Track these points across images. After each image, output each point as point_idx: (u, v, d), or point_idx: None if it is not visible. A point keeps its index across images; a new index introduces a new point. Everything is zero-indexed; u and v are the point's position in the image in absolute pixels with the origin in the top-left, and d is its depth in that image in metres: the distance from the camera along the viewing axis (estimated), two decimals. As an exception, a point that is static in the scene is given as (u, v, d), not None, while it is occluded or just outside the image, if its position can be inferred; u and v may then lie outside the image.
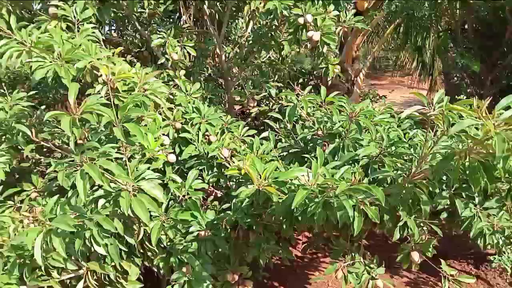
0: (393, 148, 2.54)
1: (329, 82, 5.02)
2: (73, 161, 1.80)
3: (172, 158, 2.87)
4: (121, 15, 3.94)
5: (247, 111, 4.53)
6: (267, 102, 4.64)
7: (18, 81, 4.56)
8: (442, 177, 2.38)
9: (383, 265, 2.84)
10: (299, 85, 4.84)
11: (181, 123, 3.37)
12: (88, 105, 1.70)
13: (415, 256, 2.67)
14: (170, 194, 2.91)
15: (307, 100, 2.38)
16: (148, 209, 1.96)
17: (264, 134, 2.86)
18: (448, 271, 2.63)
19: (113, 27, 4.62)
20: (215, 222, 2.84)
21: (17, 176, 3.63)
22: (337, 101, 2.52)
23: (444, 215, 2.69)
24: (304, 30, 3.24)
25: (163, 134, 3.00)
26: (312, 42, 3.19)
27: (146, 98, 2.50)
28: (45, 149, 3.90)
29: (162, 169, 2.91)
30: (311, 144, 2.78)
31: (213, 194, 3.51)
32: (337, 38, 3.22)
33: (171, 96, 3.89)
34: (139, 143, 2.09)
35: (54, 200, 2.06)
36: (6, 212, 2.99)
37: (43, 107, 3.38)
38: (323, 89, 2.65)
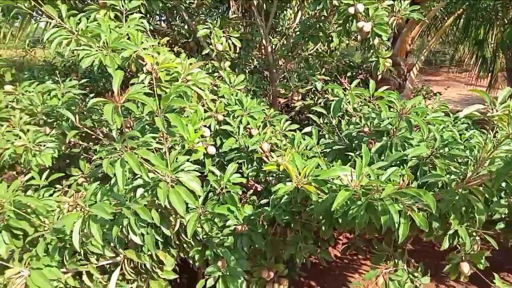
0: (447, 149, 2.34)
1: (379, 76, 4.79)
2: (115, 149, 1.81)
3: (211, 150, 2.84)
4: (169, 5, 3.96)
5: (292, 104, 4.42)
6: (312, 96, 4.50)
7: (73, 69, 4.75)
8: (501, 184, 2.16)
9: (429, 274, 2.66)
10: (347, 79, 4.68)
11: (223, 115, 3.34)
12: (131, 94, 1.70)
13: (465, 268, 2.47)
14: (209, 186, 2.90)
15: (354, 94, 2.24)
16: (185, 201, 1.94)
17: (307, 129, 2.75)
18: (502, 286, 2.40)
19: (162, 18, 4.68)
20: (252, 217, 2.79)
21: (67, 161, 3.79)
22: (386, 96, 2.35)
23: (501, 225, 2.46)
24: (354, 21, 3.07)
25: (205, 126, 2.98)
26: (362, 34, 3.02)
27: (189, 89, 2.48)
28: (93, 136, 4.05)
29: (202, 160, 2.90)
30: (356, 142, 2.64)
31: (253, 188, 3.46)
32: (389, 30, 3.02)
33: (214, 88, 3.88)
34: (180, 134, 2.07)
35: (95, 186, 2.10)
36: (54, 196, 3.14)
37: (92, 95, 3.48)
38: (372, 83, 2.49)
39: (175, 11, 4.08)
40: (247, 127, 3.38)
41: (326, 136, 2.75)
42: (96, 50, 2.17)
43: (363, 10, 2.98)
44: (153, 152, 1.82)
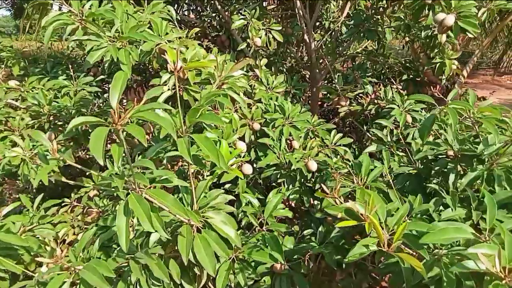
0: None
1: (424, 78, 4.13)
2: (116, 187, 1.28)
3: (247, 169, 2.30)
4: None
5: (337, 109, 3.82)
6: (360, 100, 3.88)
7: (94, 64, 4.30)
8: None
9: None
10: (402, 82, 4.03)
11: (260, 123, 2.79)
12: (139, 111, 1.10)
13: None
14: (241, 213, 2.35)
15: (453, 108, 1.59)
16: (214, 252, 1.39)
17: (370, 149, 2.15)
18: None
19: (191, 8, 4.15)
20: (294, 253, 2.23)
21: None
22: (496, 113, 1.70)
23: None
24: (430, 11, 2.44)
25: (239, 139, 2.43)
26: (441, 28, 2.39)
27: (225, 98, 1.93)
28: (109, 141, 3.57)
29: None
30: (436, 168, 2.02)
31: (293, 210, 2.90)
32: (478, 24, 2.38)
33: (249, 89, 3.33)
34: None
35: (91, 232, 1.58)
36: (61, 211, 2.67)
37: (106, 95, 2.98)
38: (471, 94, 1.86)
39: (205, 0, 3.55)
40: (288, 138, 2.81)
41: (395, 158, 2.13)
42: (108, 41, 1.64)
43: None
44: (169, 195, 1.25)
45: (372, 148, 2.15)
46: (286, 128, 2.69)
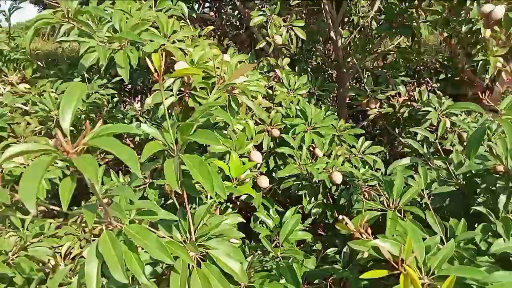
0: None
1: (464, 78, 3.75)
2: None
3: (264, 183, 2.07)
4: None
5: (367, 110, 3.52)
6: (392, 102, 3.56)
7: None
8: None
9: None
10: (439, 82, 3.68)
11: (280, 129, 2.55)
12: (93, 138, 0.79)
13: None
14: (258, 225, 2.12)
15: (509, 120, 1.28)
16: (217, 290, 1.17)
17: (404, 161, 1.87)
18: None
19: (212, 4, 3.95)
20: (315, 276, 1.98)
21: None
22: None
23: None
24: (475, 3, 2.13)
25: (255, 148, 2.20)
26: (487, 21, 2.08)
27: (234, 102, 1.71)
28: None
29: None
30: (483, 186, 1.72)
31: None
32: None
33: (269, 91, 3.09)
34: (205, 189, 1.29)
35: (66, 270, 1.39)
36: (70, 222, 2.53)
37: (116, 99, 2.82)
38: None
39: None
40: (311, 145, 2.56)
41: (433, 173, 1.84)
42: (101, 42, 1.45)
43: (490, -13, 2.04)
44: (153, 232, 1.03)
45: (406, 161, 1.86)
46: (308, 135, 2.44)
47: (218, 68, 1.81)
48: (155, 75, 0.94)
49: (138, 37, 1.44)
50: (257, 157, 2.04)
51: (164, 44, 1.74)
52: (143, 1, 1.95)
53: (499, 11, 1.96)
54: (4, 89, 2.69)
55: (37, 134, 2.49)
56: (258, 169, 2.19)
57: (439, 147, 1.93)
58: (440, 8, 2.99)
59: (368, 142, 2.56)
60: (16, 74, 3.23)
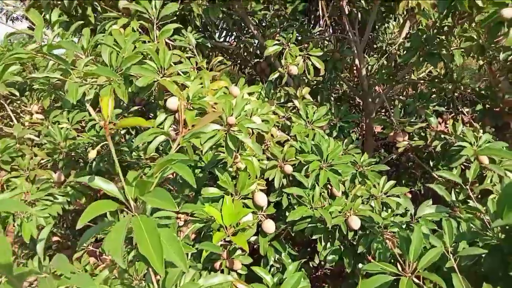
0: None
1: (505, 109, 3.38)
2: None
3: (269, 228, 1.87)
4: (235, 17, 3.14)
5: (394, 143, 3.26)
6: (423, 134, 3.27)
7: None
8: None
9: None
10: (476, 113, 3.36)
11: (293, 165, 2.35)
12: None
13: None
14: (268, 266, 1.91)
15: None
16: None
17: (428, 210, 1.61)
18: None
19: (230, 33, 3.87)
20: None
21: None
22: None
23: None
24: (510, 30, 1.88)
25: (261, 190, 2.01)
26: (527, 50, 1.82)
27: (231, 140, 1.55)
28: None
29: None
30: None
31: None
32: None
33: (288, 122, 2.92)
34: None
35: None
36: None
37: (123, 131, 2.74)
38: None
39: (242, 24, 3.25)
40: (328, 185, 2.34)
41: (463, 226, 1.57)
42: (77, 79, 1.35)
43: (529, 12, 1.79)
44: None
45: (430, 210, 1.61)
46: (323, 173, 2.22)
47: (215, 103, 1.67)
48: (101, 124, 0.80)
49: (113, 73, 1.32)
50: (261, 199, 1.85)
51: (156, 80, 1.62)
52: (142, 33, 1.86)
53: (541, 38, 1.70)
54: (18, 120, 2.68)
55: (43, 167, 2.43)
56: (265, 210, 1.99)
57: (470, 193, 1.66)
58: (474, 34, 2.73)
59: (392, 182, 2.30)
60: (36, 104, 3.25)
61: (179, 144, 0.93)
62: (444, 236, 1.39)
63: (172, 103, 1.53)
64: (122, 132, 2.74)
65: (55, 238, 3.43)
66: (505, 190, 1.13)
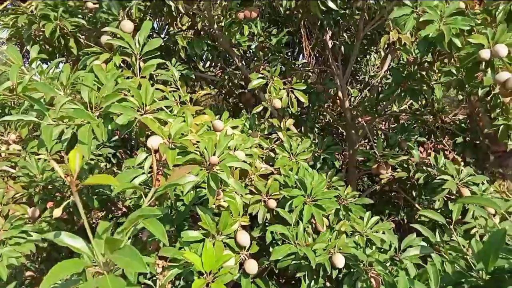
0: None
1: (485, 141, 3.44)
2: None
3: (252, 268, 1.82)
4: (220, 49, 3.15)
5: (376, 177, 3.27)
6: (406, 165, 3.29)
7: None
8: None
9: None
10: (457, 146, 3.41)
11: (277, 199, 2.32)
12: None
13: None
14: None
15: None
16: None
17: (414, 251, 1.59)
18: None
19: (214, 64, 3.89)
20: None
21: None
22: None
23: None
24: (489, 70, 1.93)
25: (243, 228, 1.97)
26: (504, 90, 1.86)
27: (213, 180, 1.52)
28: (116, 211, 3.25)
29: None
30: (509, 289, 1.42)
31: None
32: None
33: (272, 154, 2.90)
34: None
35: None
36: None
37: (103, 164, 2.68)
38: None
39: (227, 55, 3.27)
40: (311, 221, 2.31)
41: (447, 266, 1.55)
42: (53, 120, 1.31)
43: (506, 55, 1.84)
44: None
45: (415, 251, 1.59)
46: (307, 208, 2.19)
47: (198, 142, 1.64)
48: (67, 180, 0.76)
49: (91, 117, 1.29)
50: (243, 239, 1.80)
51: (136, 119, 1.59)
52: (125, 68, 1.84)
53: (516, 80, 1.75)
54: (-6, 150, 2.59)
55: (18, 202, 2.34)
56: (248, 249, 1.94)
57: (454, 234, 1.65)
58: (453, 68, 2.80)
59: (375, 218, 2.29)
60: (14, 133, 3.16)
61: (152, 197, 0.89)
62: (430, 282, 1.36)
63: (153, 142, 1.50)
64: (102, 165, 2.68)
65: (28, 273, 3.27)
66: (489, 239, 1.12)
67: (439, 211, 2.90)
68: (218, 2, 2.90)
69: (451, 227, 1.66)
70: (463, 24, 1.98)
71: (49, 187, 2.40)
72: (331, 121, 3.95)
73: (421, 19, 1.99)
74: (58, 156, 2.82)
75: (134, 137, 3.47)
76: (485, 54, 1.88)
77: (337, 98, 3.52)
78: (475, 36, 1.92)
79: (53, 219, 2.23)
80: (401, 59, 3.40)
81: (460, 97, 3.05)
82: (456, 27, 1.98)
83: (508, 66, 1.87)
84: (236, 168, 2.07)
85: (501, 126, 2.86)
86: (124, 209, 3.18)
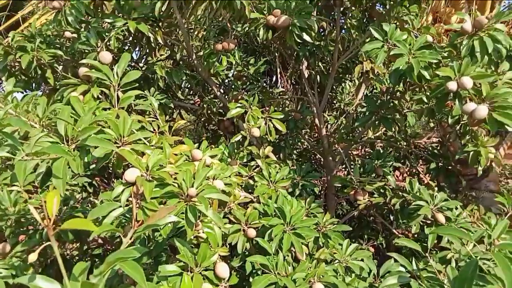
0: None
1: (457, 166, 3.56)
2: None
3: (230, 301, 1.79)
4: (199, 78, 3.19)
5: (355, 201, 3.31)
6: (382, 191, 3.35)
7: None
8: None
9: None
10: (431, 171, 3.51)
11: (256, 228, 2.32)
12: None
13: None
14: None
15: (503, 257, 1.06)
16: None
17: (391, 281, 1.61)
18: None
19: (193, 92, 3.92)
20: None
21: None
22: None
23: None
24: (457, 101, 2.02)
25: (221, 259, 1.95)
26: (471, 120, 1.95)
27: (191, 212, 1.51)
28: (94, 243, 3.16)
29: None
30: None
31: None
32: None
33: (251, 181, 2.91)
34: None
35: None
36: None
37: (78, 196, 2.62)
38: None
39: (206, 84, 3.30)
40: (291, 250, 2.31)
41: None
42: (27, 156, 1.29)
43: (471, 87, 1.94)
44: None
45: (393, 281, 1.61)
46: (286, 236, 2.20)
47: (176, 173, 1.64)
48: (43, 224, 0.75)
49: (66, 153, 1.28)
50: (223, 271, 1.78)
51: (111, 151, 1.58)
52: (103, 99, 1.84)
53: (482, 111, 1.84)
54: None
55: (-13, 236, 2.25)
56: (228, 281, 1.91)
57: (430, 261, 1.68)
58: (424, 97, 2.92)
59: (354, 246, 2.31)
60: (-15, 163, 3.07)
61: (131, 238, 0.89)
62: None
63: (130, 175, 1.49)
64: (78, 196, 2.62)
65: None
66: (464, 269, 1.15)
67: (416, 235, 2.97)
68: (196, 33, 2.96)
69: (427, 254, 1.69)
70: (431, 58, 2.09)
71: (22, 219, 2.32)
72: (309, 147, 4.01)
73: (391, 53, 2.09)
74: (31, 187, 2.75)
75: (111, 167, 3.43)
76: (452, 86, 1.97)
77: (314, 125, 3.60)
78: (442, 69, 2.02)
79: (24, 253, 2.15)
80: (374, 87, 3.52)
81: (432, 124, 3.16)
82: (425, 60, 2.09)
83: (473, 98, 1.97)
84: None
85: (471, 153, 2.97)
86: (100, 240, 3.09)
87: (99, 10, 2.71)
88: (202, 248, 1.69)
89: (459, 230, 1.15)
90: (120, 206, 1.49)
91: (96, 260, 2.98)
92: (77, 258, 3.02)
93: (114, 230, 0.83)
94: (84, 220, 0.74)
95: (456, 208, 2.79)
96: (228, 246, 2.28)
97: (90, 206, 3.19)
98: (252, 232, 2.29)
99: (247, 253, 2.35)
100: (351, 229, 2.63)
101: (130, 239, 0.86)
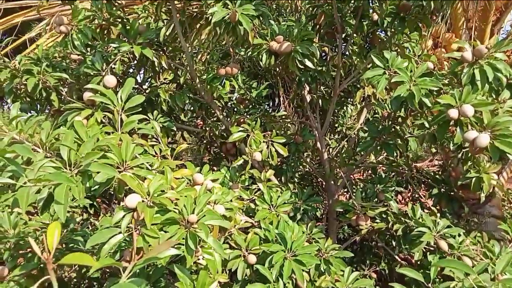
0: None
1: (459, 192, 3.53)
2: None
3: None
4: (201, 102, 3.22)
5: (357, 226, 3.28)
6: (384, 216, 3.32)
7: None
8: None
9: None
10: (433, 196, 3.48)
11: (257, 254, 2.30)
12: None
13: None
14: None
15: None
16: None
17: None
18: None
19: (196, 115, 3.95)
20: None
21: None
22: None
23: None
24: (458, 128, 2.03)
25: (223, 282, 1.93)
26: (473, 148, 1.96)
27: (191, 239, 1.50)
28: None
29: None
30: None
31: None
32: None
33: (252, 205, 2.89)
34: None
35: None
36: None
37: (78, 218, 2.61)
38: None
39: (209, 107, 3.33)
40: (292, 277, 2.28)
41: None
42: (29, 181, 1.29)
43: (472, 115, 1.95)
44: None
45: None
46: (287, 263, 2.17)
47: (177, 199, 1.64)
48: (43, 257, 0.75)
49: (68, 179, 1.29)
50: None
51: (115, 175, 1.58)
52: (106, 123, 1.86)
53: (484, 139, 1.84)
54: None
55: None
56: (227, 309, 1.89)
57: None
58: (425, 122, 2.93)
59: (356, 274, 2.28)
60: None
61: (130, 271, 0.88)
62: None
63: (131, 201, 1.49)
64: (78, 219, 2.61)
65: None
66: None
67: (418, 262, 2.93)
68: (199, 56, 3.00)
69: (430, 285, 1.67)
70: (432, 85, 2.10)
71: (21, 242, 2.30)
72: (311, 170, 4.00)
73: (392, 80, 2.11)
74: (32, 207, 2.74)
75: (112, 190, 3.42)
76: (453, 113, 1.98)
77: (316, 148, 3.60)
78: (443, 96, 2.04)
79: (22, 277, 2.12)
80: (376, 111, 3.53)
81: (433, 150, 3.16)
82: (426, 88, 2.11)
83: (475, 126, 1.98)
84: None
85: (474, 179, 2.96)
86: (98, 264, 3.05)
87: (105, 34, 2.77)
88: (201, 275, 1.67)
89: (462, 264, 1.14)
90: (120, 233, 1.48)
91: (94, 283, 2.94)
92: (75, 280, 2.98)
93: (113, 264, 0.83)
94: (83, 255, 0.73)
95: (459, 235, 2.76)
96: (228, 272, 2.25)
97: (90, 227, 3.17)
98: (252, 259, 2.26)
99: (247, 279, 2.31)
100: (353, 255, 2.60)
101: (130, 273, 0.85)
